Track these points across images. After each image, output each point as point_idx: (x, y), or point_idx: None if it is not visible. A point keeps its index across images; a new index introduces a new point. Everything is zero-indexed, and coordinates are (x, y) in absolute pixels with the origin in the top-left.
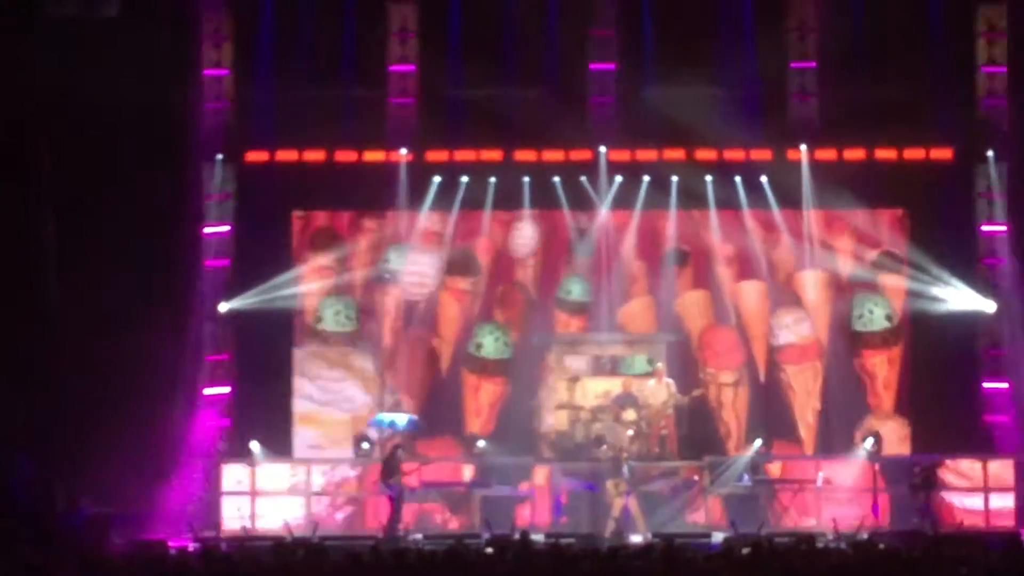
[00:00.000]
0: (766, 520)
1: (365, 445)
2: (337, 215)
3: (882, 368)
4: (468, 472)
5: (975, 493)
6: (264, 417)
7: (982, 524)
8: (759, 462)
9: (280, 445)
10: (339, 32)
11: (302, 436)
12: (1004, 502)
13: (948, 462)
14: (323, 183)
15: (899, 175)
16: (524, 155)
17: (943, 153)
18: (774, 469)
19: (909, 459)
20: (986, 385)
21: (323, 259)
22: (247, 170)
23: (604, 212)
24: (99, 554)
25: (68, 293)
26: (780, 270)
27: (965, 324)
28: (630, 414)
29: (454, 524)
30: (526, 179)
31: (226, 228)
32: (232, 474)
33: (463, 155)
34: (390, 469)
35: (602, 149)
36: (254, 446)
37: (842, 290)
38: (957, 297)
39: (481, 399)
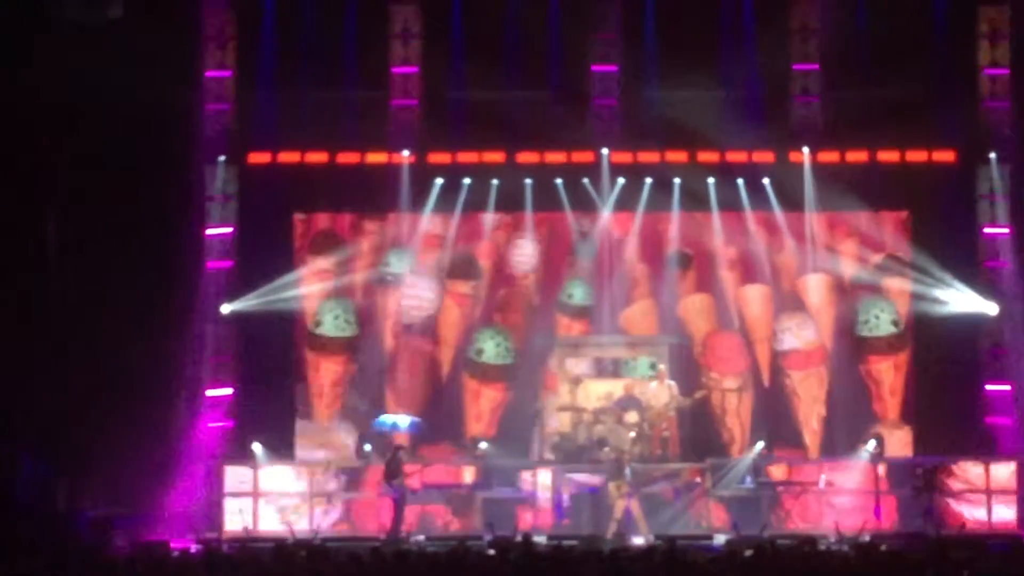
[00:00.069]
0: (768, 522)
1: (367, 447)
2: (338, 217)
3: (888, 374)
4: (470, 474)
5: (977, 495)
6: (266, 419)
7: (984, 526)
8: (761, 464)
9: (282, 446)
10: (341, 34)
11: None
12: (1006, 504)
13: (954, 467)
14: (325, 185)
15: (901, 177)
16: (526, 157)
17: (945, 155)
18: (776, 471)
19: (912, 462)
20: (988, 387)
21: (324, 262)
22: (249, 172)
23: (606, 214)
24: (102, 555)
25: (71, 294)
26: (784, 274)
27: (967, 326)
28: (632, 416)
29: (456, 526)
30: (528, 181)
31: (228, 230)
32: (234, 475)
33: (465, 157)
34: (392, 470)
35: (604, 151)
36: (256, 447)
37: (846, 294)
38: (959, 299)
39: (482, 405)
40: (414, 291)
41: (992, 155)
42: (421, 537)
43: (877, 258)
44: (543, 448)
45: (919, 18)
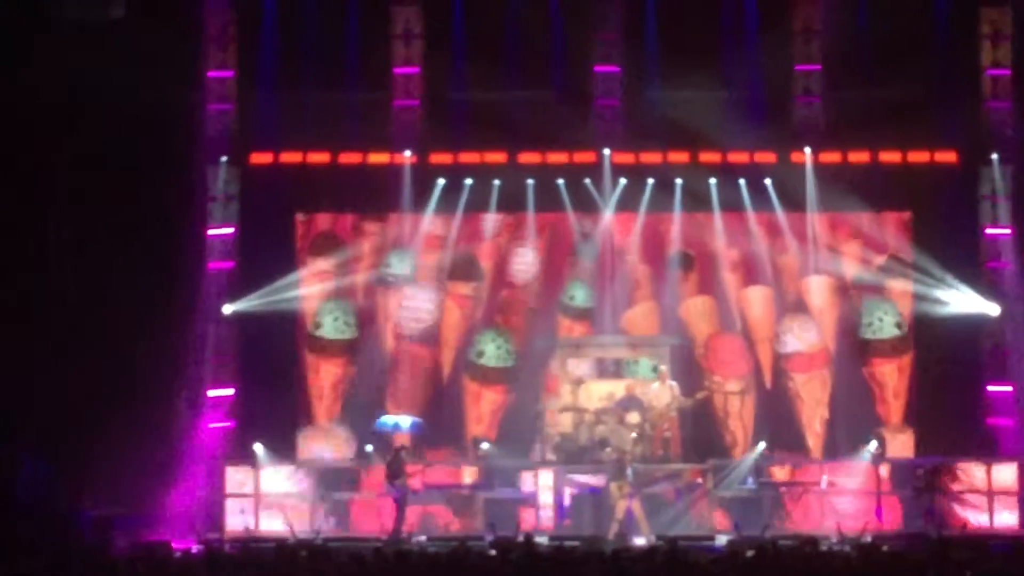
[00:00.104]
0: (770, 523)
1: (368, 448)
2: (339, 219)
3: (892, 377)
4: (471, 475)
5: (979, 496)
6: (268, 419)
7: (986, 527)
8: (763, 465)
9: (283, 447)
10: (343, 34)
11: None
12: (1008, 505)
13: (958, 469)
14: (327, 185)
15: (903, 178)
16: (528, 157)
17: (947, 156)
18: (778, 472)
19: (914, 462)
20: (990, 388)
21: (324, 263)
22: (251, 172)
23: (608, 215)
24: (103, 555)
25: (73, 294)
26: (786, 275)
27: (969, 327)
28: (634, 417)
29: (457, 526)
30: (530, 181)
31: (230, 230)
32: (236, 476)
33: (467, 157)
34: (394, 471)
35: (606, 151)
36: (257, 448)
37: (849, 296)
38: (961, 300)
39: (482, 407)
40: (413, 303)
41: (994, 156)
42: (422, 537)
43: (880, 259)
44: (545, 449)
45: (921, 19)
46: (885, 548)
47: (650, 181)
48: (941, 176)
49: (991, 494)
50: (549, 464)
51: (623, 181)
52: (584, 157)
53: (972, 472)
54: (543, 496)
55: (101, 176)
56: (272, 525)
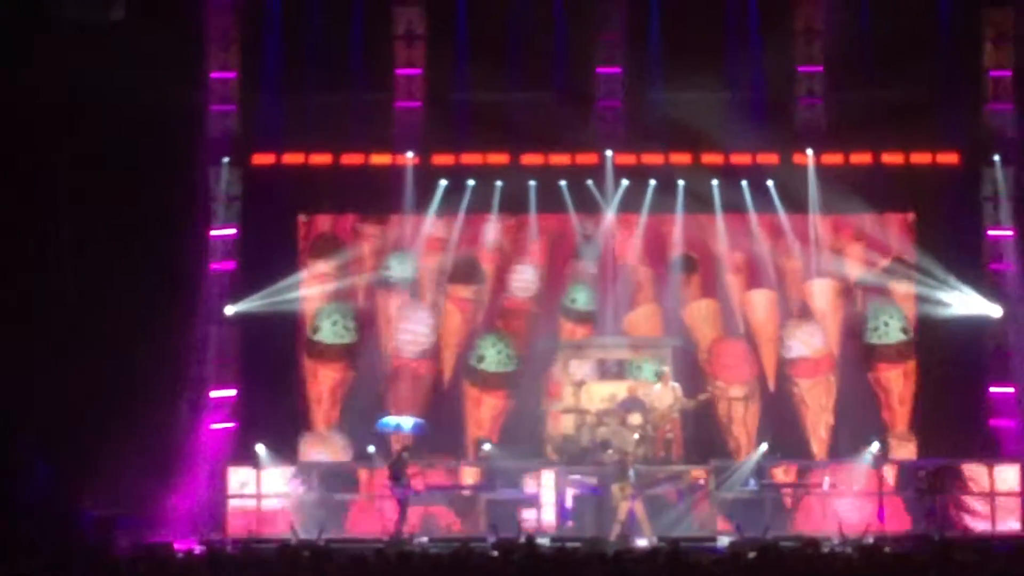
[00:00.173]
0: (772, 524)
1: (371, 449)
2: (339, 221)
3: (897, 382)
4: (473, 476)
5: (981, 498)
6: (270, 420)
7: (989, 528)
8: (765, 466)
9: (285, 448)
10: (346, 35)
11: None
12: (1011, 506)
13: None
14: (329, 186)
15: (906, 179)
16: (531, 159)
17: (950, 157)
18: (780, 473)
19: (917, 464)
20: (992, 389)
21: (323, 266)
22: (254, 173)
23: (610, 216)
24: (105, 556)
25: (76, 295)
26: (790, 278)
27: (971, 328)
28: (636, 418)
29: (459, 527)
30: (532, 183)
31: (232, 231)
32: (238, 477)
33: (469, 159)
34: (396, 472)
35: (608, 153)
36: (260, 449)
37: (853, 299)
38: (963, 301)
39: (483, 413)
40: (408, 325)
41: (996, 157)
42: (424, 539)
43: (884, 262)
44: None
45: (924, 20)
46: (887, 549)
47: (652, 183)
48: (943, 177)
49: (993, 495)
50: (551, 465)
51: (625, 182)
52: (586, 158)
53: (975, 474)
54: (545, 497)
55: (101, 177)
56: (274, 526)
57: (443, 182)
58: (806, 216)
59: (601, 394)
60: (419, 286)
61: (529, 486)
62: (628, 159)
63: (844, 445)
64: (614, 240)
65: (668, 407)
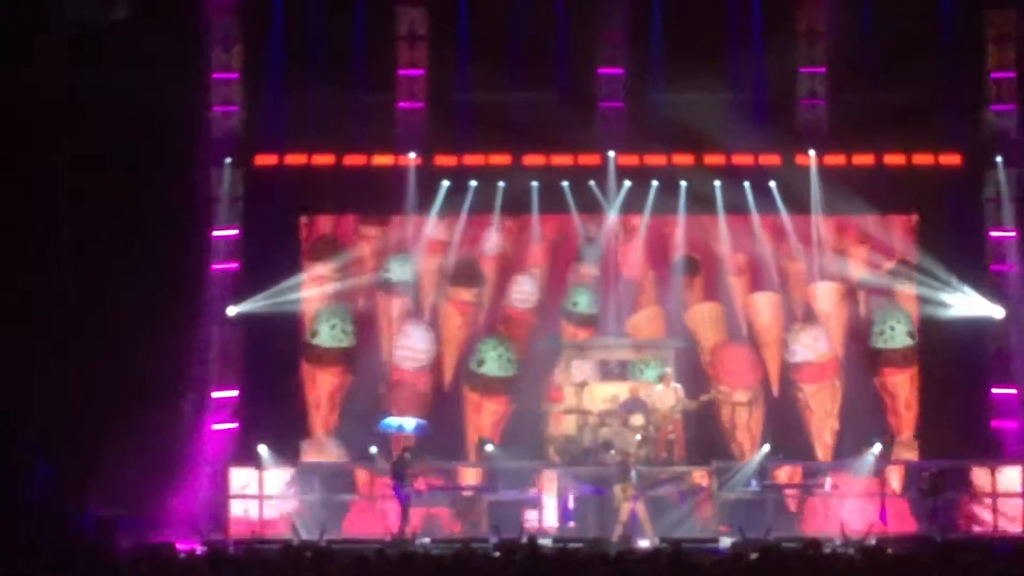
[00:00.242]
0: (774, 525)
1: (373, 450)
2: (340, 222)
3: (903, 387)
4: (476, 476)
5: (984, 499)
6: (272, 421)
7: (990, 529)
8: (767, 467)
9: (288, 449)
10: (348, 36)
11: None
12: (1013, 507)
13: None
14: (332, 187)
15: (908, 180)
16: (533, 159)
17: (952, 158)
18: (782, 475)
19: (919, 465)
20: (994, 391)
21: (323, 268)
22: (256, 174)
23: (612, 217)
24: (107, 556)
25: (78, 295)
26: (793, 280)
27: (973, 330)
28: (638, 419)
29: (461, 528)
30: (535, 183)
31: (235, 232)
32: (240, 477)
33: (472, 159)
34: (399, 472)
35: (611, 153)
36: (262, 449)
37: (858, 302)
38: (966, 302)
39: (483, 419)
40: (407, 341)
41: (998, 159)
42: (426, 539)
43: (888, 264)
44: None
45: (926, 22)
46: (889, 551)
47: (654, 183)
48: (945, 179)
49: (995, 496)
50: (553, 466)
51: (627, 183)
52: (588, 159)
53: (977, 475)
54: (547, 498)
55: (102, 177)
56: (276, 527)
57: (445, 183)
58: (808, 217)
59: (603, 395)
60: (419, 289)
61: (531, 487)
62: (630, 160)
63: (849, 450)
64: (616, 242)
65: (670, 408)
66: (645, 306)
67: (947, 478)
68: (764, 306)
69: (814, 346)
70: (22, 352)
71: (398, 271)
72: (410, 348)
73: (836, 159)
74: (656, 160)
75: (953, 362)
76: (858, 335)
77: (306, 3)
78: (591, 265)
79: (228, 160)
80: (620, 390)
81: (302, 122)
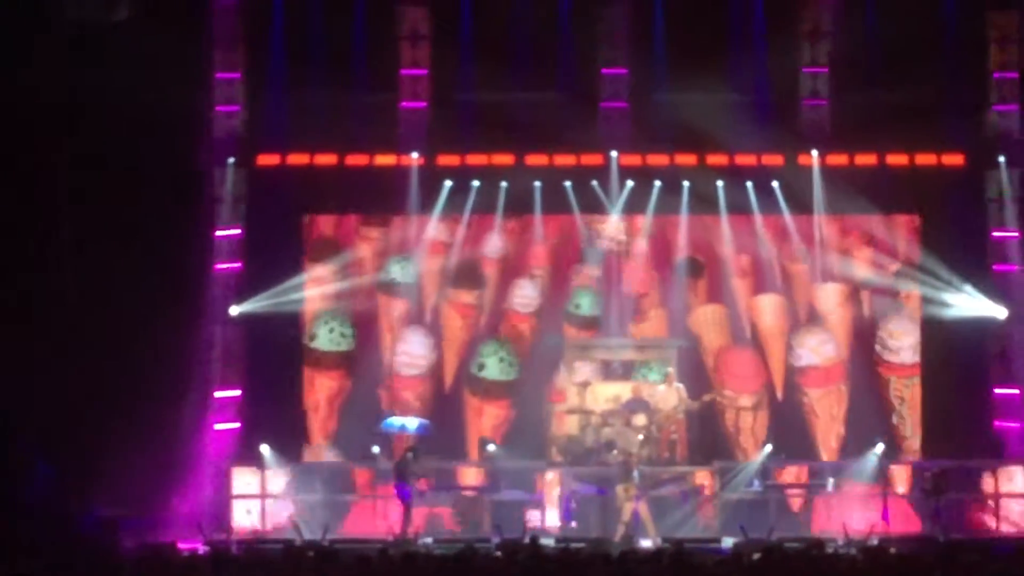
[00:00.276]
0: (776, 525)
1: (375, 449)
2: (341, 223)
3: (909, 392)
4: (478, 476)
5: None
6: (274, 420)
7: (992, 529)
8: (769, 467)
9: (290, 449)
10: (350, 36)
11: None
12: (1015, 508)
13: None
14: (334, 187)
15: (911, 180)
16: (536, 159)
17: (955, 159)
18: (784, 474)
19: (922, 465)
20: (997, 391)
21: (322, 270)
22: (259, 174)
23: (615, 217)
24: (109, 556)
25: (80, 295)
26: (797, 282)
27: (976, 330)
28: (640, 419)
29: (463, 528)
30: (537, 183)
31: (237, 231)
32: (242, 477)
33: (474, 159)
34: (401, 472)
35: (613, 154)
36: (264, 449)
37: (863, 305)
38: (968, 303)
39: (484, 423)
40: (406, 347)
41: (1001, 159)
42: (429, 539)
43: (893, 266)
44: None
45: (929, 22)
46: (892, 551)
47: (657, 184)
48: (948, 179)
49: (997, 496)
50: (555, 466)
51: (630, 183)
52: (591, 159)
53: (979, 475)
54: (549, 498)
55: (103, 177)
56: (279, 526)
57: (448, 183)
58: (811, 217)
59: (606, 395)
60: (420, 291)
61: (533, 487)
62: (633, 160)
63: (853, 454)
64: (618, 245)
65: (673, 408)
66: (648, 308)
67: (949, 478)
68: (768, 309)
69: (820, 350)
70: (22, 352)
71: (399, 273)
72: (409, 354)
73: (839, 159)
74: (659, 160)
75: (955, 362)
76: (862, 337)
77: (308, 2)
78: (593, 267)
79: (231, 160)
80: (623, 390)
81: (304, 122)
